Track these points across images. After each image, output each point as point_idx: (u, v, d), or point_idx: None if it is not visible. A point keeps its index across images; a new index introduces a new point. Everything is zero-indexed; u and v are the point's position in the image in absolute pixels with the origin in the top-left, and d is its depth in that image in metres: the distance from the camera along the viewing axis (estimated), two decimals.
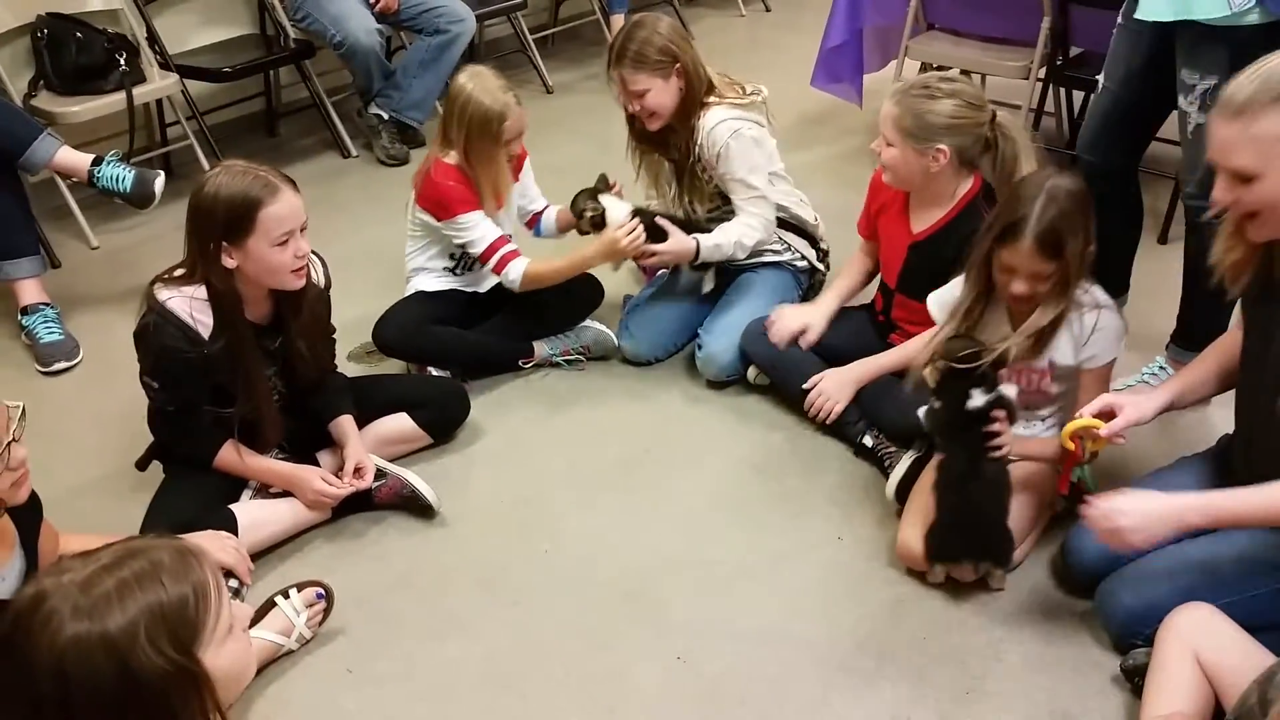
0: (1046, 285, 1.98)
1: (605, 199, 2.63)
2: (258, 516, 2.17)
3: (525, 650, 1.97)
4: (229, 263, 2.01)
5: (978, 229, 2.12)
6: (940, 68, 3.84)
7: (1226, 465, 1.94)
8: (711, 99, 2.56)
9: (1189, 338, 2.46)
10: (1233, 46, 2.10)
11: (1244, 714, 1.62)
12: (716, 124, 2.54)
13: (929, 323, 2.37)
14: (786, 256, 2.74)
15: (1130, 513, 1.70)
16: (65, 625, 1.05)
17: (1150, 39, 2.28)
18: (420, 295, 2.70)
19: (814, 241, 2.77)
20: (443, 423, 2.51)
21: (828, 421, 2.41)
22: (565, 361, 2.76)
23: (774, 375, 2.56)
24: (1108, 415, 1.90)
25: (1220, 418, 2.23)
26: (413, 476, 2.31)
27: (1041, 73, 3.36)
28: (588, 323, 2.78)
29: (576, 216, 2.69)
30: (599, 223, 2.62)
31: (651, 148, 2.71)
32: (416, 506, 2.29)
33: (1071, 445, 1.93)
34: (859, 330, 2.53)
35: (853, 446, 2.42)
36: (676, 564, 2.15)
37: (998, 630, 1.97)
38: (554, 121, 4.27)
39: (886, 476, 2.29)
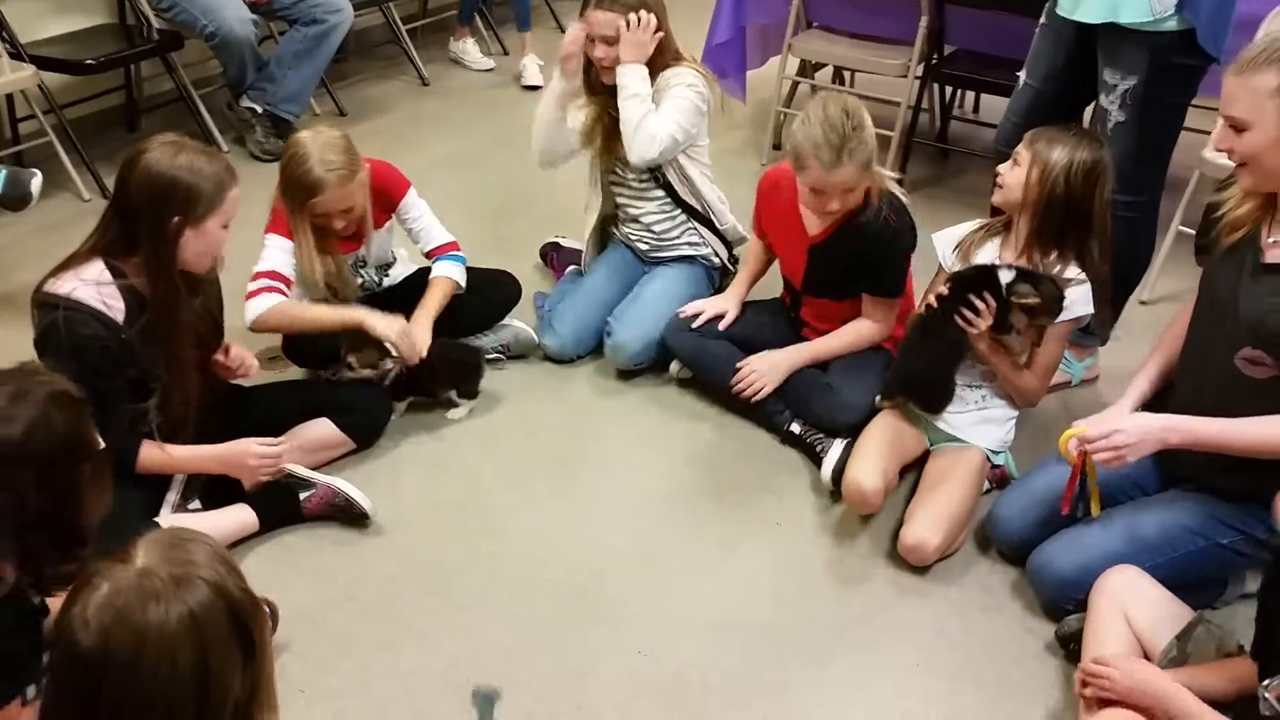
0: (1013, 175, 2.19)
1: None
2: None
3: (483, 655, 1.95)
4: (182, 239, 1.94)
5: (870, 223, 2.28)
6: (818, 66, 4.00)
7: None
8: (681, 63, 2.61)
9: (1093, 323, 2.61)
10: (1153, 50, 2.26)
11: (1167, 666, 1.77)
12: (677, 74, 2.58)
13: (837, 320, 2.49)
14: (702, 252, 2.79)
15: (1128, 430, 1.83)
16: None
17: (1072, 39, 2.41)
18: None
19: (728, 245, 2.83)
20: (366, 426, 2.44)
21: (753, 400, 2.45)
22: (486, 361, 2.72)
23: (697, 367, 2.60)
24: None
25: None
26: (344, 484, 2.24)
27: (919, 70, 3.52)
28: (506, 321, 2.75)
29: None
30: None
31: (600, 99, 2.67)
32: (350, 515, 2.22)
33: (1073, 455, 1.94)
34: (774, 323, 2.60)
35: (779, 435, 2.49)
36: (624, 559, 2.17)
37: (937, 603, 2.08)
38: (435, 115, 4.19)
39: (816, 462, 2.37)
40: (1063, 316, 2.19)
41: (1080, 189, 2.15)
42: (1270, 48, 1.69)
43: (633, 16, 2.50)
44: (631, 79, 2.54)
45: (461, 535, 2.22)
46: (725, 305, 2.59)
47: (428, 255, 2.59)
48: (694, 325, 2.55)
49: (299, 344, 2.52)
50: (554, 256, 3.10)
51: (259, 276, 2.38)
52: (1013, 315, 2.17)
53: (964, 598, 2.09)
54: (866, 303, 2.46)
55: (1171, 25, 2.23)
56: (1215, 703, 1.67)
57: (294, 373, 2.61)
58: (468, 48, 4.72)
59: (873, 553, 2.19)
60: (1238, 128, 1.74)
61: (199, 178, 1.93)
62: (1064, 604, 1.98)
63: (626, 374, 2.69)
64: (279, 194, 2.39)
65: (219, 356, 2.23)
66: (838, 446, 2.33)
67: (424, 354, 2.42)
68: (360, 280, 2.60)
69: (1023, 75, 2.60)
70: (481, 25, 4.87)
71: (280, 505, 2.21)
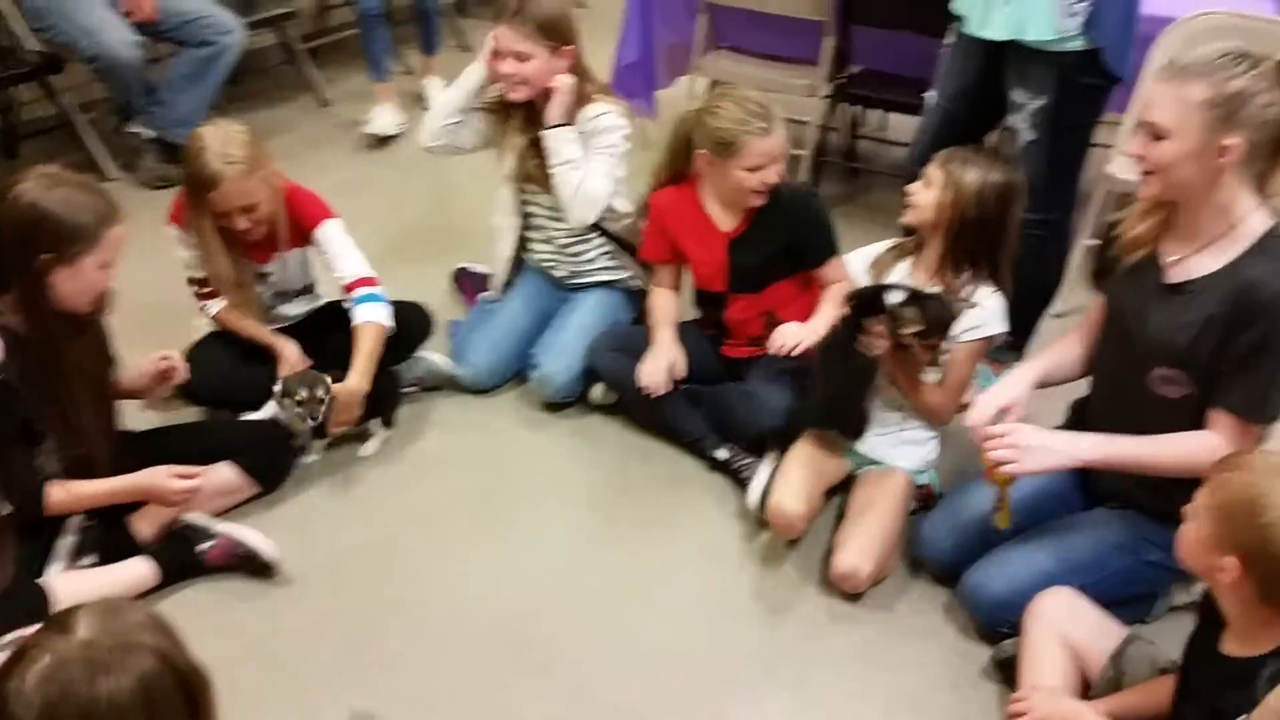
0: (924, 197, 2.18)
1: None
2: (78, 589, 1.90)
3: (407, 712, 1.84)
4: (54, 278, 1.83)
5: (782, 193, 2.33)
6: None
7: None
8: (600, 96, 2.56)
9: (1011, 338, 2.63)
10: (1060, 69, 2.28)
11: (1103, 687, 1.78)
12: (605, 113, 2.52)
13: (761, 313, 2.46)
14: (621, 275, 2.73)
15: (1031, 436, 1.82)
16: None
17: (981, 58, 2.42)
18: (219, 334, 2.47)
19: (646, 266, 2.77)
20: (271, 469, 2.32)
21: (656, 390, 2.39)
22: None
23: (624, 392, 2.53)
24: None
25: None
26: (247, 532, 2.11)
27: (827, 90, 3.53)
28: (418, 354, 2.65)
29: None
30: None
31: (511, 117, 2.59)
32: (255, 565, 2.10)
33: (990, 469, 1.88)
34: (696, 346, 2.54)
35: (706, 461, 2.44)
36: (553, 598, 2.09)
37: (870, 630, 2.05)
38: (335, 138, 4.06)
39: (743, 487, 2.33)
40: (974, 335, 2.19)
41: (993, 209, 2.15)
42: (1201, 59, 1.69)
43: (561, 80, 2.45)
44: (563, 145, 2.49)
45: (378, 582, 2.11)
46: (671, 354, 2.45)
47: (346, 289, 2.46)
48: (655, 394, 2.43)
49: (199, 383, 2.37)
50: (466, 283, 3.01)
51: (196, 282, 2.39)
52: (904, 336, 2.13)
53: (897, 623, 2.06)
54: (823, 277, 2.42)
55: (1077, 45, 2.26)
56: None
57: (186, 414, 2.47)
58: (430, 85, 4.31)
59: (802, 580, 2.15)
60: (1157, 135, 1.71)
61: (74, 214, 1.81)
62: (999, 626, 1.96)
63: (551, 404, 2.61)
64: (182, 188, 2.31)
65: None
66: (763, 471, 2.29)
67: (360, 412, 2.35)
68: (260, 293, 2.48)
69: (933, 95, 2.61)
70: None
71: (180, 557, 2.07)
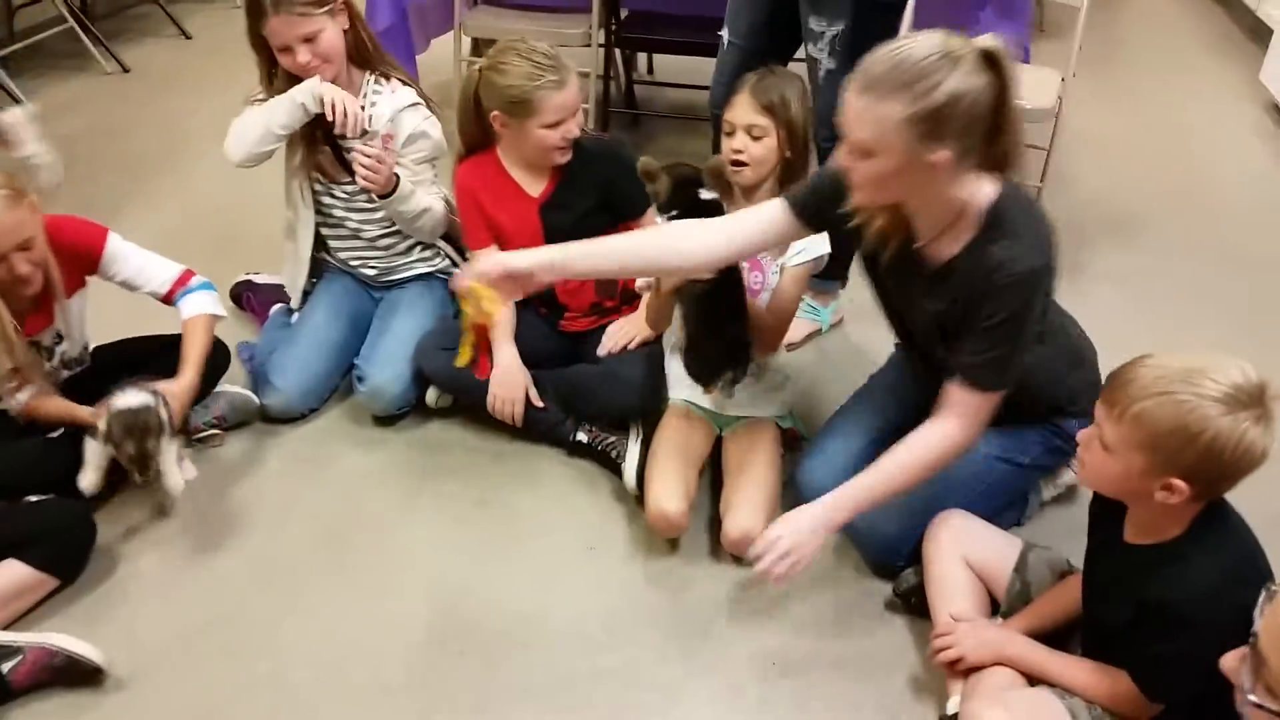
0: (760, 146, 2.10)
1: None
2: None
3: None
4: None
5: (585, 146, 2.23)
6: (490, 43, 3.76)
7: (907, 376, 2.08)
8: (392, 72, 2.34)
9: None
10: None
11: (1013, 600, 1.79)
12: (410, 105, 2.31)
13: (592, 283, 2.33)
14: (438, 265, 2.49)
15: (786, 535, 1.70)
16: None
17: None
18: None
19: (460, 250, 2.55)
20: (66, 556, 1.96)
21: (514, 421, 2.24)
22: (196, 440, 2.29)
23: (459, 393, 2.34)
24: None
25: None
26: (59, 638, 1.78)
27: (601, 38, 3.38)
28: (217, 388, 2.33)
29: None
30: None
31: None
32: (77, 674, 1.77)
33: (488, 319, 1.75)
34: (533, 333, 2.35)
35: (565, 447, 2.28)
36: (433, 638, 1.88)
37: (773, 589, 1.97)
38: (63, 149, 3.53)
39: (611, 469, 2.20)
40: (801, 258, 2.13)
41: (806, 126, 2.14)
42: (896, 73, 1.51)
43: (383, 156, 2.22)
44: (411, 200, 2.31)
45: (229, 662, 1.83)
46: (519, 377, 2.24)
47: (165, 298, 2.15)
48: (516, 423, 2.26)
49: None
50: (249, 298, 2.68)
51: None
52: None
53: (799, 577, 1.99)
54: (642, 227, 2.26)
55: None
56: (1068, 628, 1.72)
57: None
58: None
59: (694, 555, 2.05)
60: (860, 152, 1.56)
61: None
62: (894, 561, 1.95)
63: (383, 418, 2.36)
64: None
65: None
66: (633, 448, 2.17)
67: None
68: (58, 357, 2.11)
69: (725, 33, 2.52)
70: None
71: None
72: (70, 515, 2.00)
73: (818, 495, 2.03)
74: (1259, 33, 4.58)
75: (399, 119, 2.32)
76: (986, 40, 1.50)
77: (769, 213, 1.80)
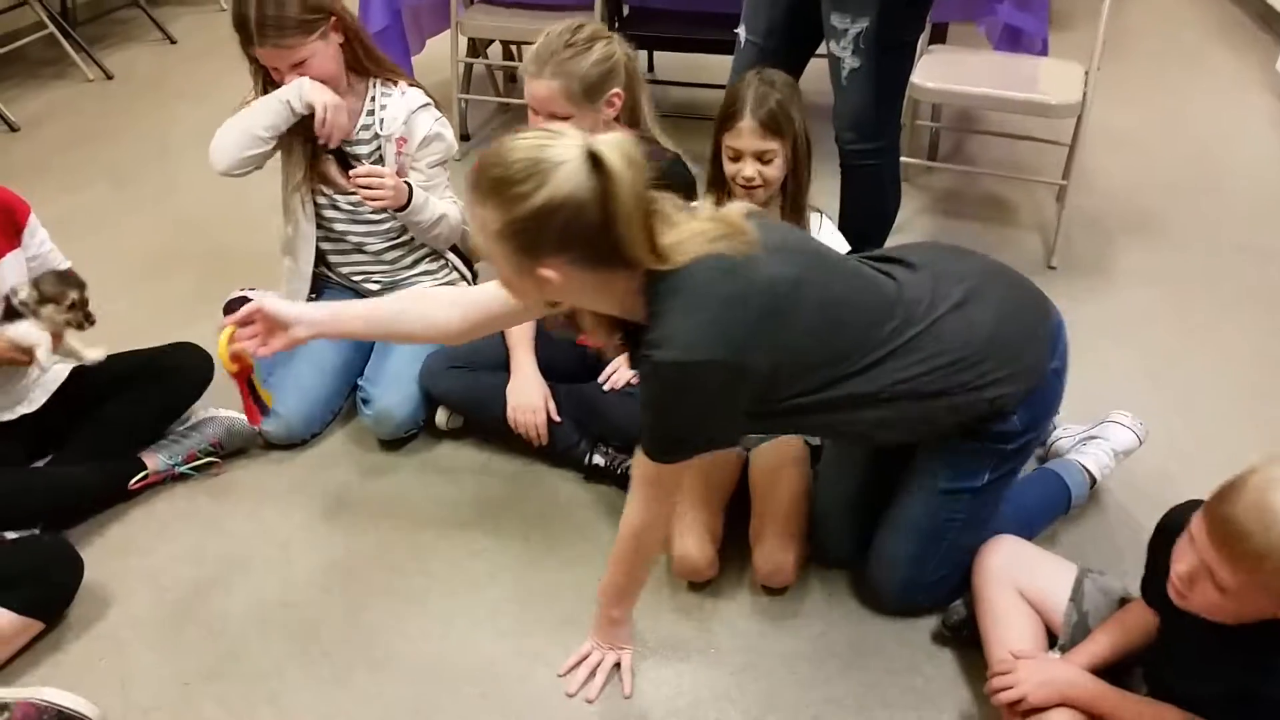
0: (773, 168, 1.99)
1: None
2: None
3: None
4: None
5: None
6: (488, 43, 3.64)
7: None
8: (397, 78, 2.23)
9: None
10: None
11: (1072, 632, 1.68)
12: (422, 105, 2.21)
13: None
14: (447, 277, 2.37)
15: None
16: None
17: None
18: None
19: (468, 261, 2.42)
20: (50, 598, 1.83)
21: (538, 437, 2.12)
22: (192, 469, 2.15)
23: (472, 409, 2.22)
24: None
25: None
26: (48, 692, 1.65)
27: None
28: (210, 412, 2.20)
29: None
30: None
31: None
32: None
33: (232, 366, 1.74)
34: (554, 347, 2.20)
35: (582, 471, 2.15)
36: (449, 677, 1.75)
37: (815, 625, 1.85)
38: (37, 165, 3.40)
39: (620, 486, 2.08)
40: None
41: (806, 131, 2.03)
42: (496, 171, 1.38)
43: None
44: (426, 209, 2.20)
45: (226, 713, 1.69)
46: (539, 387, 2.14)
47: None
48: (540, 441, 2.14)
49: None
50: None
51: None
52: None
53: (838, 610, 1.88)
54: None
55: None
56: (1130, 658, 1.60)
57: None
58: None
59: (724, 585, 1.93)
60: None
61: None
62: (915, 604, 1.85)
63: (391, 442, 2.24)
64: None
65: None
66: None
67: None
68: None
69: (741, 32, 2.40)
70: None
71: None
72: (57, 553, 1.87)
73: (840, 550, 1.94)
74: (1269, 20, 4.49)
75: (413, 121, 2.20)
76: (596, 140, 1.35)
77: (498, 291, 1.64)
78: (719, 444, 1.57)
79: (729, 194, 2.05)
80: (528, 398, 2.10)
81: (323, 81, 2.11)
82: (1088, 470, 2.03)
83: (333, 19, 2.10)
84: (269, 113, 2.11)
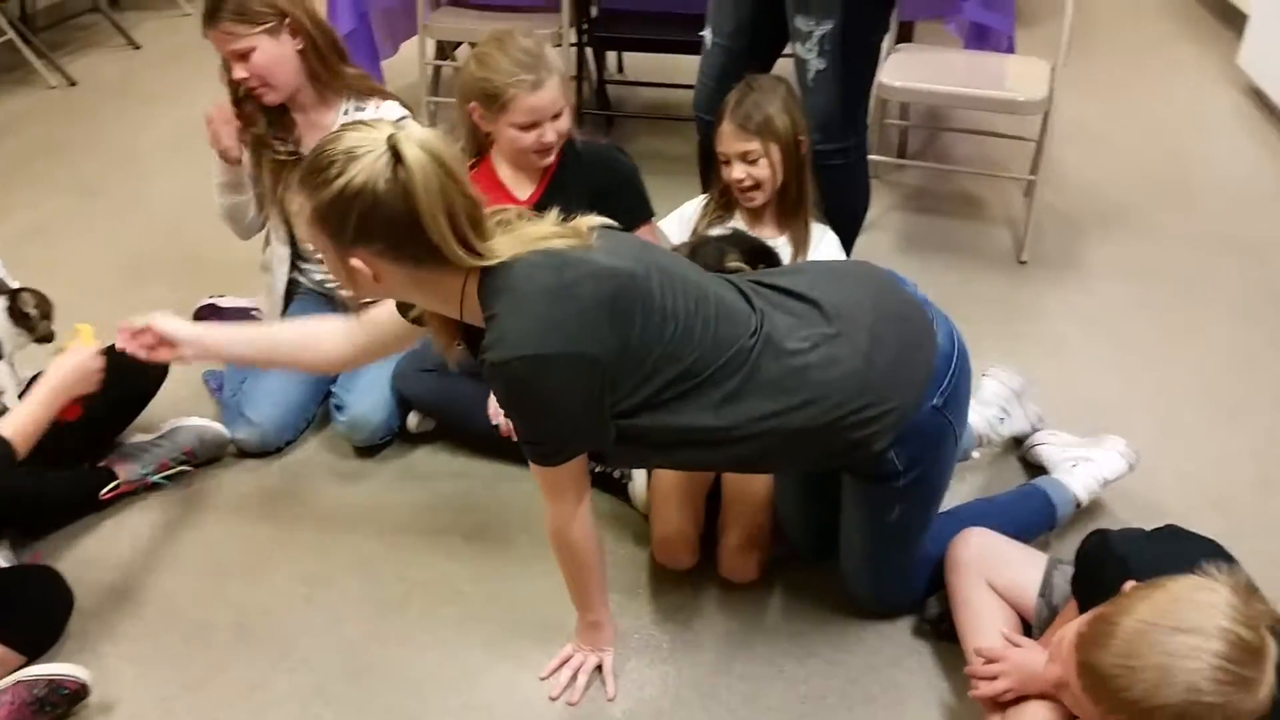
0: (759, 167, 2.05)
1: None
2: None
3: None
4: None
5: (581, 151, 2.13)
6: (456, 45, 3.62)
7: None
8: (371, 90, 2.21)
9: None
10: None
11: (1042, 626, 1.69)
12: (400, 119, 2.16)
13: None
14: None
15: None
16: None
17: None
18: None
19: None
20: (38, 627, 1.78)
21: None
22: (164, 479, 2.13)
23: (444, 414, 2.21)
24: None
25: None
26: (35, 668, 1.66)
27: (573, 37, 3.26)
28: (181, 421, 2.17)
29: None
30: None
31: (259, 134, 2.18)
32: (63, 702, 1.64)
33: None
34: None
35: None
36: (433, 688, 1.74)
37: (796, 623, 1.85)
38: (1, 175, 3.35)
39: (614, 490, 2.09)
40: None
41: (797, 135, 2.08)
42: (311, 158, 1.42)
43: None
44: None
45: None
46: None
47: None
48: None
49: None
50: (216, 321, 2.52)
51: None
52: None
53: (819, 608, 1.88)
54: None
55: None
56: None
57: None
58: None
59: (704, 584, 1.92)
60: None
61: None
62: (898, 604, 1.86)
63: (366, 449, 2.22)
64: None
65: None
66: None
67: None
68: None
69: (707, 34, 2.41)
70: None
71: None
72: (42, 579, 1.84)
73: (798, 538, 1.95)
74: (1228, 15, 4.55)
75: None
76: (401, 134, 1.35)
77: (386, 316, 1.68)
78: (596, 442, 1.51)
79: (732, 202, 2.14)
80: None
81: (265, 83, 2.10)
82: (1077, 498, 1.99)
83: (287, 20, 2.08)
84: (216, 168, 2.20)
